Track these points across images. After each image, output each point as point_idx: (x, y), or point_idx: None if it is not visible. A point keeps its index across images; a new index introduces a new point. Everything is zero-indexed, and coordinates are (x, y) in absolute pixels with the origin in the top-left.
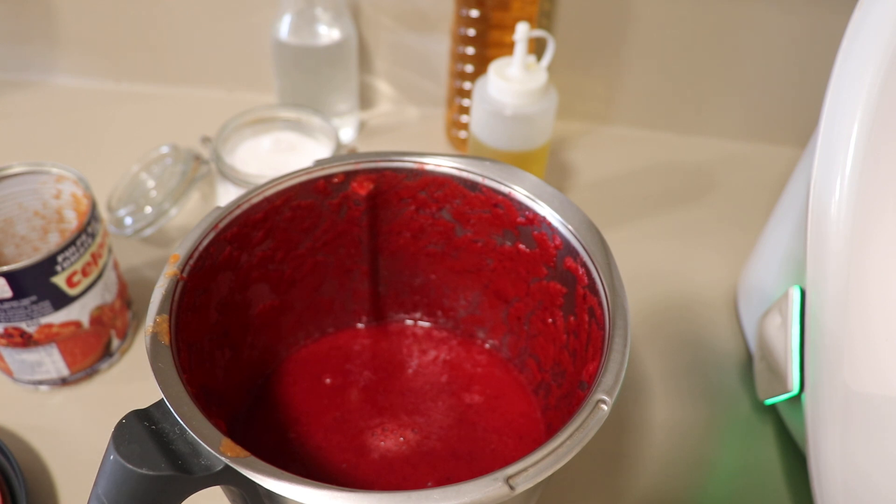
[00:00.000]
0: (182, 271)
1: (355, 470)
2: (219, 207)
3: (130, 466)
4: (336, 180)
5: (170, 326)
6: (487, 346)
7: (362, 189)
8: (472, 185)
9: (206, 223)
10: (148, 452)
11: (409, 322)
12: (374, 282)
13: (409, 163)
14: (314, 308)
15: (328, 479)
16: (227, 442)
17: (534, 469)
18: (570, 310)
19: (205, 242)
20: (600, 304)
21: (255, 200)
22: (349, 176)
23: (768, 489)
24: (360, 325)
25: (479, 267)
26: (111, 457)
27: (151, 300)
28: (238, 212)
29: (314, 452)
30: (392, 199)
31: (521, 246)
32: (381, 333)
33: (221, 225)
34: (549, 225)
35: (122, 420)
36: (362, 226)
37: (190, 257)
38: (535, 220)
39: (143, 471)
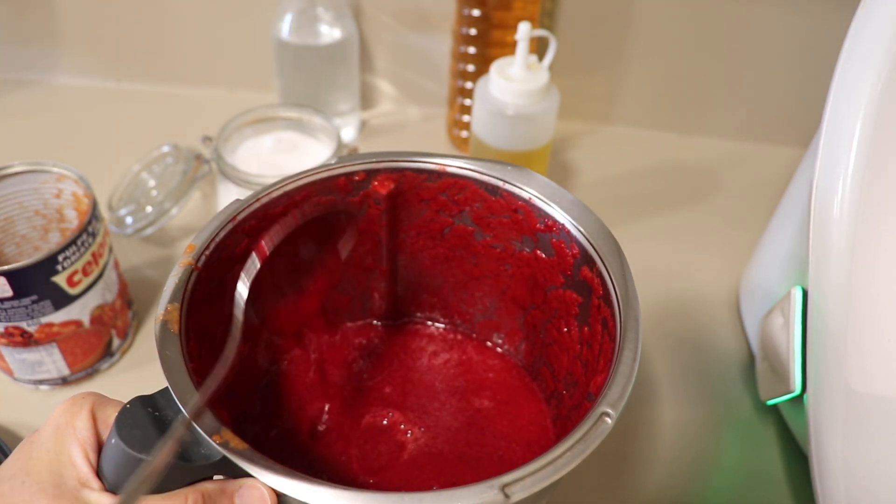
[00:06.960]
0: (197, 262)
1: (360, 469)
2: (238, 200)
3: (130, 451)
4: (357, 178)
5: (180, 315)
6: (502, 351)
7: (383, 188)
8: (493, 189)
9: (224, 215)
10: (149, 438)
11: (425, 323)
12: (392, 281)
13: (430, 164)
14: (331, 304)
15: (332, 477)
16: (225, 432)
17: (531, 479)
18: (585, 320)
19: (222, 234)
20: (613, 315)
21: (275, 195)
22: (370, 174)
23: (770, 489)
24: (376, 323)
25: (497, 272)
26: (112, 440)
27: (164, 288)
28: (257, 205)
29: (321, 448)
30: (412, 200)
31: (540, 253)
32: (397, 333)
33: (240, 217)
34: (568, 233)
35: (126, 405)
36: (382, 225)
37: (206, 248)
38: (554, 227)
39: (143, 456)
